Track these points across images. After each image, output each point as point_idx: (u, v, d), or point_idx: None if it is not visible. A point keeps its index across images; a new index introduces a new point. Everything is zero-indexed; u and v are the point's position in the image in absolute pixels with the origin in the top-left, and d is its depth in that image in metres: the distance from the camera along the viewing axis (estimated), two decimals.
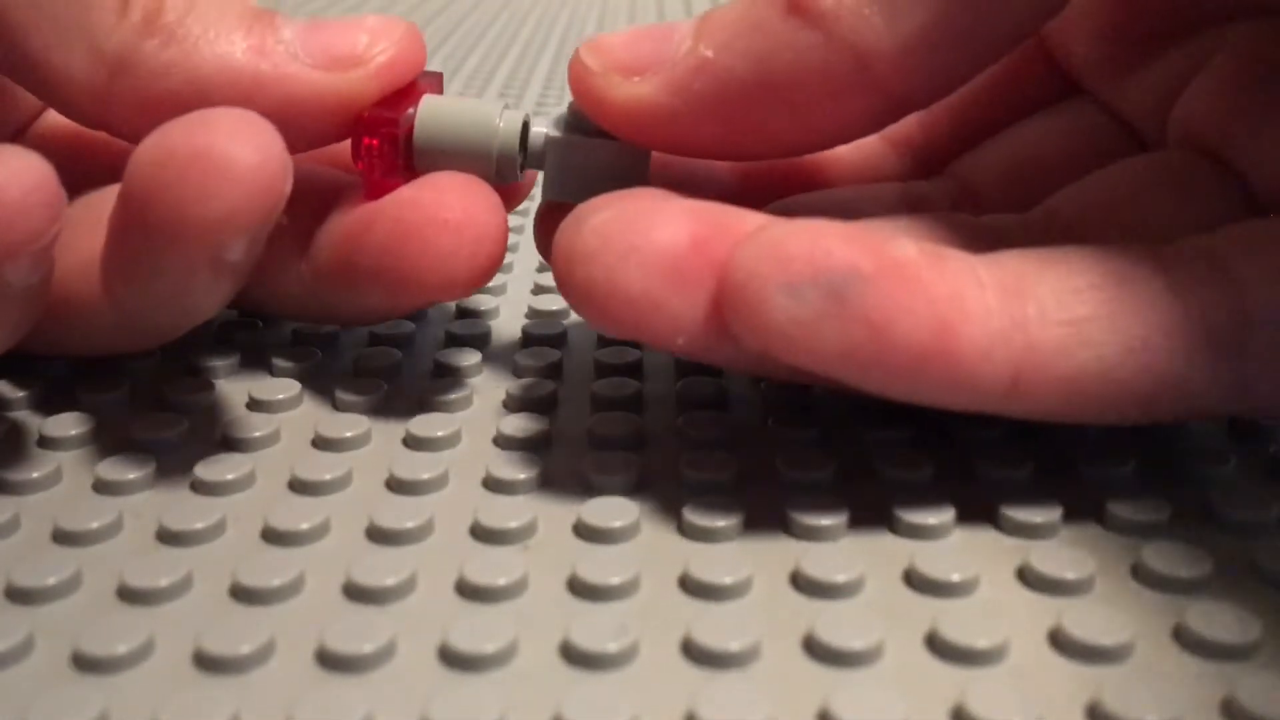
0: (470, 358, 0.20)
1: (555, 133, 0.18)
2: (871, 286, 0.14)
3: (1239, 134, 0.17)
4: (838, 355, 0.14)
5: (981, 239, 0.17)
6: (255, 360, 0.20)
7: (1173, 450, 0.17)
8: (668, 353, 0.19)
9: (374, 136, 0.18)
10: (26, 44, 0.17)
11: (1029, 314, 0.14)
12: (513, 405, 0.19)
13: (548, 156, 0.18)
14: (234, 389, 0.19)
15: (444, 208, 0.17)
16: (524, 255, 0.25)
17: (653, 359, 0.20)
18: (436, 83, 0.19)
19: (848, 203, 0.20)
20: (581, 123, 0.18)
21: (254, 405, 0.19)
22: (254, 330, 0.21)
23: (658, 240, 0.14)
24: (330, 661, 0.13)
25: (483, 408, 0.19)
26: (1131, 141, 0.20)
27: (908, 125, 0.22)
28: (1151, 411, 0.15)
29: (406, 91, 0.18)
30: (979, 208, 0.20)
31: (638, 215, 0.15)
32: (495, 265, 0.18)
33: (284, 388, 0.19)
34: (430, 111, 0.18)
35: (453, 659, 0.13)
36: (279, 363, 0.20)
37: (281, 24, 0.17)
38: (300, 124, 0.17)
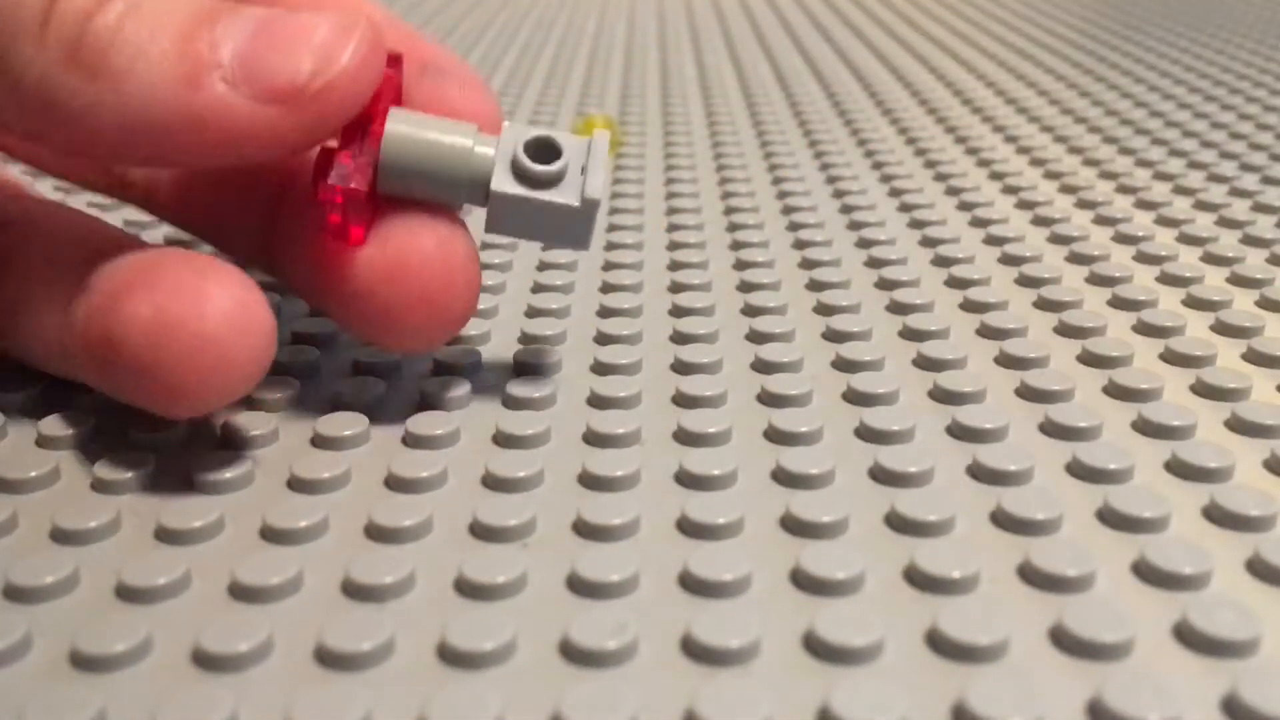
0: (469, 356, 0.20)
1: (500, 189, 0.17)
2: None
3: None
4: None
5: None
6: None
7: (1173, 448, 0.17)
8: None
9: (339, 194, 0.16)
10: None
11: None
12: (511, 404, 0.19)
13: (490, 205, 0.17)
14: None
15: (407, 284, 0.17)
16: (523, 254, 0.25)
17: (652, 359, 0.20)
18: (396, 67, 0.18)
19: None
20: (528, 171, 0.17)
21: (252, 404, 0.19)
22: None
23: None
24: (329, 660, 0.13)
25: (481, 406, 0.19)
26: None
27: None
28: None
29: (370, 104, 0.16)
30: None
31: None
32: (466, 315, 0.18)
33: (283, 386, 0.19)
34: (394, 144, 0.17)
35: (451, 657, 0.13)
36: (278, 361, 0.20)
37: (222, 39, 0.15)
38: (245, 154, 0.16)
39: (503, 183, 0.17)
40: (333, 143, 0.17)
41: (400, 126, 0.17)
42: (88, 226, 0.19)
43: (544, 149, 0.17)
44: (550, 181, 0.17)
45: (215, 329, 0.15)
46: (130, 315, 0.15)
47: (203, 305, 0.15)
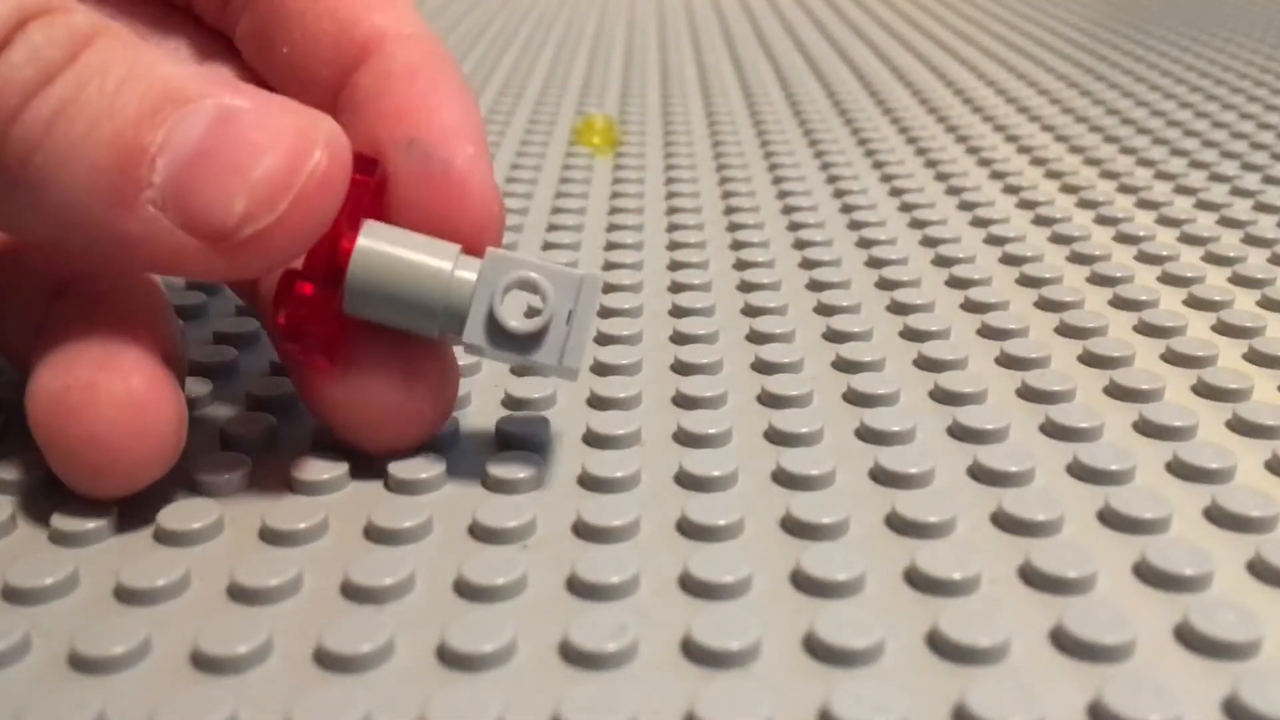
0: (469, 357, 0.20)
1: (472, 340, 0.16)
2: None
3: None
4: None
5: None
6: (254, 360, 0.20)
7: (1174, 449, 0.17)
8: None
9: (288, 329, 0.15)
10: None
11: None
12: (511, 404, 0.19)
13: (468, 348, 0.16)
14: (233, 389, 0.19)
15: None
16: (523, 254, 0.25)
17: (653, 359, 0.20)
18: (370, 171, 0.16)
19: None
20: (506, 328, 0.16)
21: (253, 405, 0.19)
22: (252, 330, 0.21)
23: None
24: (328, 661, 0.13)
25: (482, 407, 0.19)
26: None
27: None
28: None
29: (338, 220, 0.15)
30: None
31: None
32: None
33: (283, 387, 0.19)
34: (362, 273, 0.15)
35: (451, 658, 0.13)
36: (278, 363, 0.20)
37: (163, 149, 0.14)
38: (184, 274, 0.15)
39: (475, 334, 0.16)
40: (298, 263, 0.15)
41: (367, 255, 0.15)
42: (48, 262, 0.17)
43: (527, 290, 0.16)
44: (527, 341, 0.16)
45: (107, 429, 0.15)
46: (39, 390, 0.15)
47: (97, 401, 0.14)
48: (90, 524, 0.15)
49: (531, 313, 0.16)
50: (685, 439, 0.18)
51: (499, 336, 0.16)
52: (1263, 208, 0.28)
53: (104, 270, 0.17)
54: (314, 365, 0.16)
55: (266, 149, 0.14)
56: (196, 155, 0.14)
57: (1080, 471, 0.17)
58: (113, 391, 0.15)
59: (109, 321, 0.15)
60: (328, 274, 0.15)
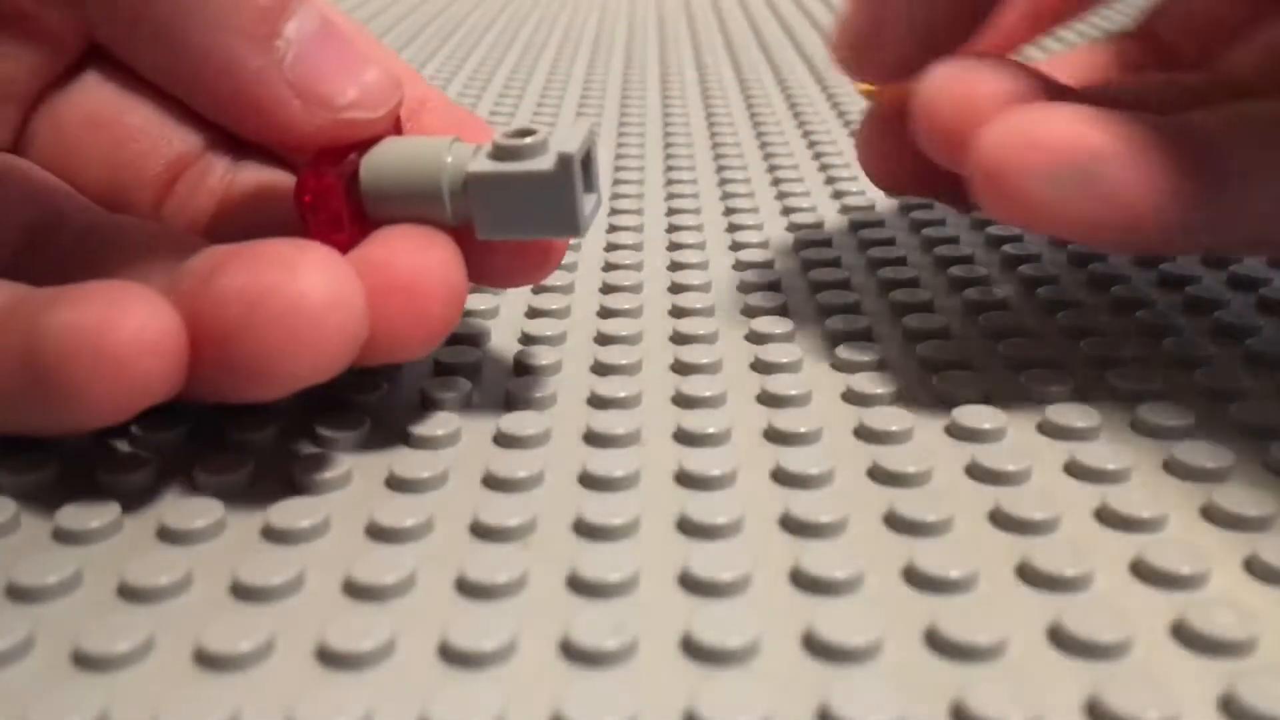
0: (470, 356, 0.20)
1: (475, 169, 0.17)
2: (1113, 167, 0.16)
3: None
4: (1084, 226, 0.16)
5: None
6: None
7: (1171, 448, 0.17)
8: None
9: (309, 192, 0.16)
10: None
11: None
12: (512, 403, 0.19)
13: (471, 194, 0.17)
14: None
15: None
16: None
17: (652, 359, 0.21)
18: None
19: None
20: (504, 146, 0.17)
21: (254, 405, 0.19)
22: None
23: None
24: (330, 659, 0.13)
25: (482, 406, 0.19)
26: None
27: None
28: None
29: (367, 142, 0.17)
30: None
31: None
32: (446, 325, 0.17)
33: None
34: (376, 156, 0.17)
35: (452, 656, 0.13)
36: None
37: (291, 19, 0.17)
38: (254, 125, 0.17)
39: (480, 164, 0.17)
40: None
41: (386, 141, 0.17)
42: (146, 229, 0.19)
43: (524, 134, 0.17)
44: (527, 154, 0.16)
45: (311, 298, 0.15)
46: (224, 288, 0.15)
47: (297, 276, 0.15)
48: (94, 522, 0.15)
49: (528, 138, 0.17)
50: (685, 438, 0.18)
51: (500, 156, 0.17)
52: None
53: (205, 109, 0.18)
54: (332, 242, 0.16)
55: (374, 63, 0.17)
56: (320, 37, 0.17)
57: (1077, 470, 0.17)
58: (313, 265, 0.15)
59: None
60: (347, 170, 0.17)
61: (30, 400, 0.15)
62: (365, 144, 0.17)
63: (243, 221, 0.19)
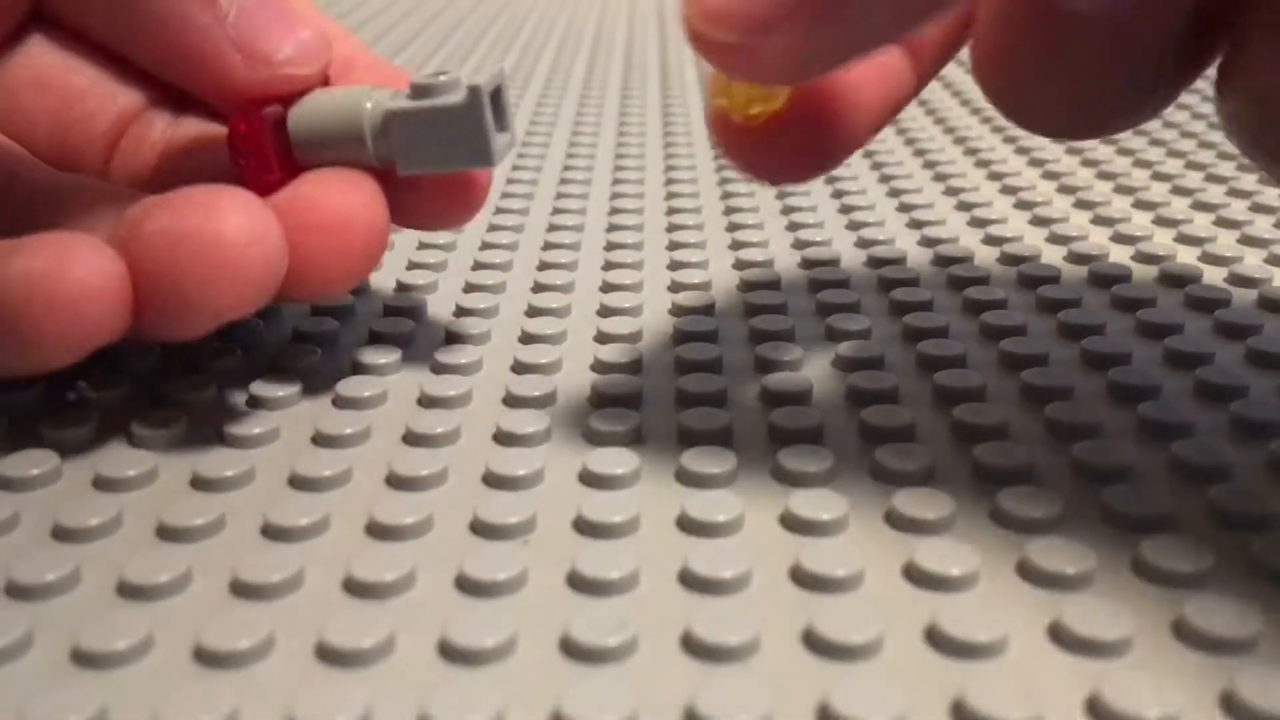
0: (469, 355, 0.20)
1: (393, 106, 0.18)
2: None
3: None
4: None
5: None
6: (255, 357, 0.21)
7: (1172, 447, 0.17)
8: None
9: (239, 135, 0.18)
10: None
11: None
12: (512, 402, 0.19)
13: (391, 131, 0.18)
14: (234, 386, 0.19)
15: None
16: (524, 254, 0.25)
17: (653, 357, 0.21)
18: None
19: None
20: (421, 91, 0.18)
21: (254, 402, 0.19)
22: (254, 328, 0.21)
23: None
24: (330, 656, 0.13)
25: (482, 404, 0.19)
26: None
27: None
28: None
29: (297, 94, 0.19)
30: None
31: None
32: (368, 262, 0.18)
33: (284, 384, 0.19)
34: (302, 104, 0.18)
35: (452, 654, 0.13)
36: (279, 361, 0.20)
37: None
38: (198, 79, 0.19)
39: (397, 104, 0.18)
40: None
41: (313, 92, 0.19)
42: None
43: (438, 75, 0.18)
44: (440, 91, 0.18)
45: (228, 236, 0.16)
46: (151, 232, 0.16)
47: (214, 217, 0.16)
48: (93, 520, 0.15)
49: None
50: (685, 437, 0.18)
51: (415, 95, 0.18)
52: (1260, 208, 0.28)
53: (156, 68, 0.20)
54: (263, 184, 0.18)
55: (308, 23, 0.19)
56: (258, 4, 0.18)
57: (1078, 469, 0.17)
58: (232, 207, 0.16)
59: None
60: (273, 116, 0.19)
61: None
62: (294, 96, 0.19)
63: (183, 172, 0.20)
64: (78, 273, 0.15)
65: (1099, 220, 0.27)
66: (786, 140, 0.16)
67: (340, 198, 0.18)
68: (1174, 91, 0.15)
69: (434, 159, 0.18)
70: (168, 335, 0.17)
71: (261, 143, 0.18)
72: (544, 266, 0.25)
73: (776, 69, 0.13)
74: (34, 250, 0.16)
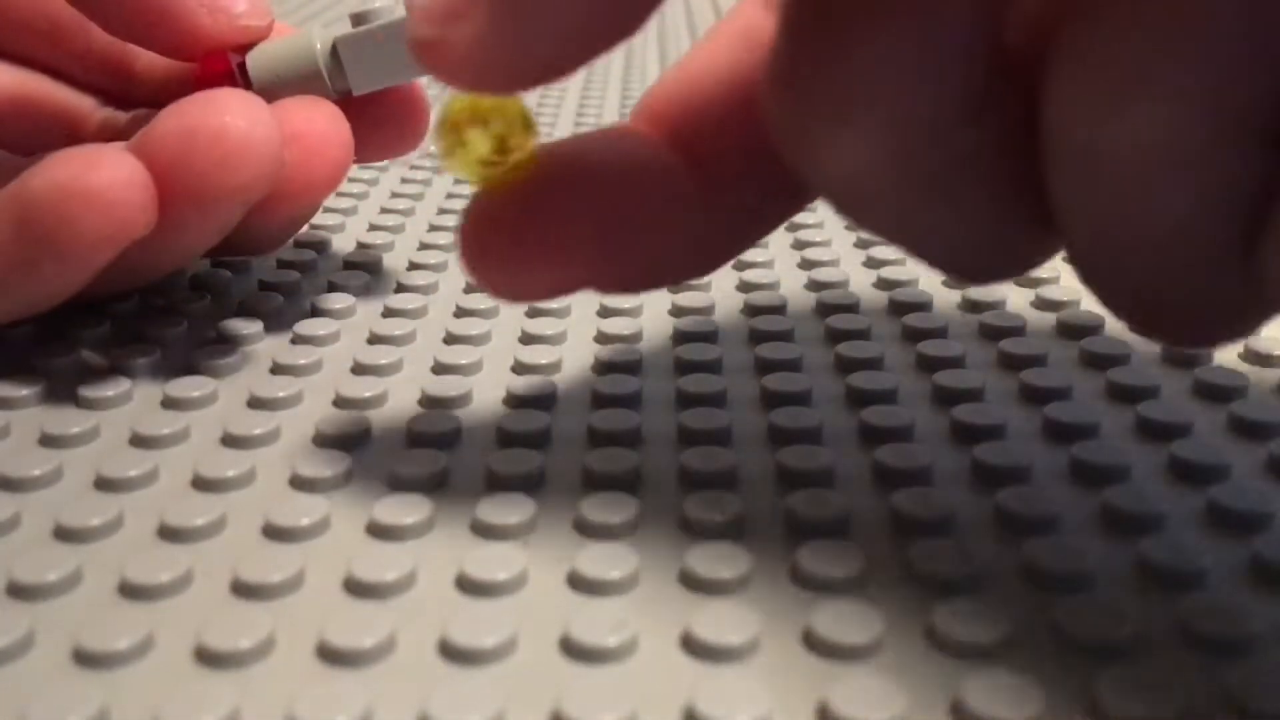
0: (470, 355, 0.20)
1: (342, 33, 0.21)
2: None
3: None
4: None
5: None
6: (256, 358, 0.21)
7: (1172, 447, 0.17)
8: None
9: (213, 73, 0.21)
10: None
11: None
12: (513, 402, 0.19)
13: (343, 55, 0.21)
14: (235, 387, 0.19)
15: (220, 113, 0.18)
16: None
17: (653, 358, 0.21)
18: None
19: None
20: (363, 19, 0.21)
21: (254, 403, 0.19)
22: (254, 327, 0.21)
23: None
24: (330, 656, 0.13)
25: (483, 404, 0.19)
26: None
27: None
28: None
29: (248, 46, 0.21)
30: None
31: None
32: (338, 171, 0.20)
33: (285, 386, 0.19)
34: (258, 50, 0.21)
35: (453, 653, 0.13)
36: (280, 361, 0.20)
37: None
38: (164, 34, 0.20)
39: (344, 32, 0.21)
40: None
41: (260, 45, 0.21)
42: None
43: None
44: (381, 14, 0.20)
45: (235, 123, 0.18)
46: (165, 130, 0.18)
47: (220, 109, 0.18)
48: (94, 520, 0.15)
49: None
50: (685, 436, 0.18)
51: (362, 21, 0.21)
52: None
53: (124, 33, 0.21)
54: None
55: None
56: None
57: (1078, 469, 0.17)
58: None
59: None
60: (236, 59, 0.21)
61: (30, 255, 0.18)
62: (248, 46, 0.21)
63: None
64: (105, 171, 0.17)
65: None
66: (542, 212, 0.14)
67: (309, 113, 0.20)
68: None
69: (384, 74, 0.21)
70: (194, 231, 0.19)
71: (233, 80, 0.20)
72: None
73: (475, 65, 0.12)
74: (60, 162, 0.17)
